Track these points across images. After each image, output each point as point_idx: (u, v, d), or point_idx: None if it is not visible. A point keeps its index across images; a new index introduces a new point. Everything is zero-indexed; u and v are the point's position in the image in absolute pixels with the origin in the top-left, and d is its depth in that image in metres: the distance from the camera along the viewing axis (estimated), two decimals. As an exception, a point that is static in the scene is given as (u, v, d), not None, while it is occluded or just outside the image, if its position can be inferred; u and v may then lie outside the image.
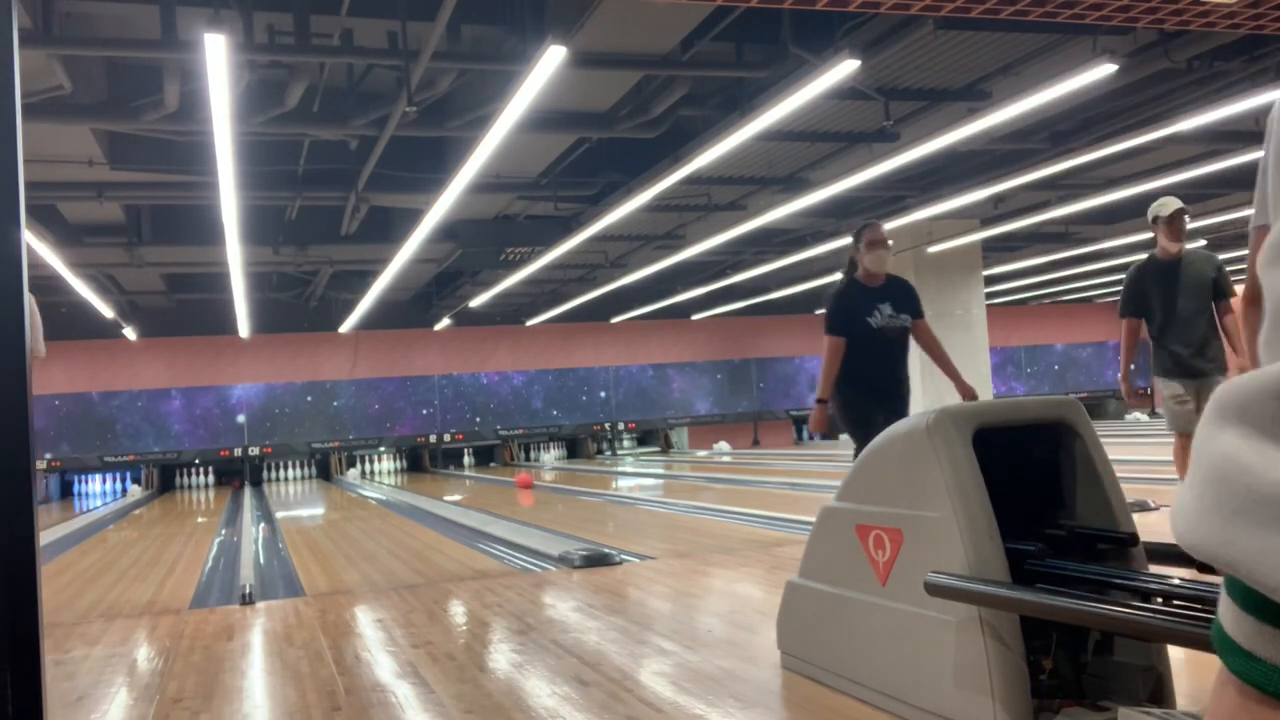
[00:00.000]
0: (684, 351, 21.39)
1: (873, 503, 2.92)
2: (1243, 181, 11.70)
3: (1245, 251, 16.44)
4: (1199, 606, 2.13)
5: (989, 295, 18.37)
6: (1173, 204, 5.45)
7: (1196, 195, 12.53)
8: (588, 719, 2.98)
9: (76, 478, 18.20)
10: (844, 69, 5.98)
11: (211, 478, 18.67)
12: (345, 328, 18.26)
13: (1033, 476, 2.87)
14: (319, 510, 12.35)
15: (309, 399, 18.60)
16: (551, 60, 5.42)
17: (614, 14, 6.03)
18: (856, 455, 4.33)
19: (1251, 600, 0.37)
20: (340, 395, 18.77)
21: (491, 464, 20.00)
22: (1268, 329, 0.42)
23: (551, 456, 20.48)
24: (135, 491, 17.66)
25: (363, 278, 14.68)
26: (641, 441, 21.45)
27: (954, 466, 2.60)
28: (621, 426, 20.51)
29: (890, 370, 5.04)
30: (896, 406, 4.90)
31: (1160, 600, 2.30)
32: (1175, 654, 2.59)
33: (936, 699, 2.59)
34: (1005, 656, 2.44)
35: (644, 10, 6.02)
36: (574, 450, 21.01)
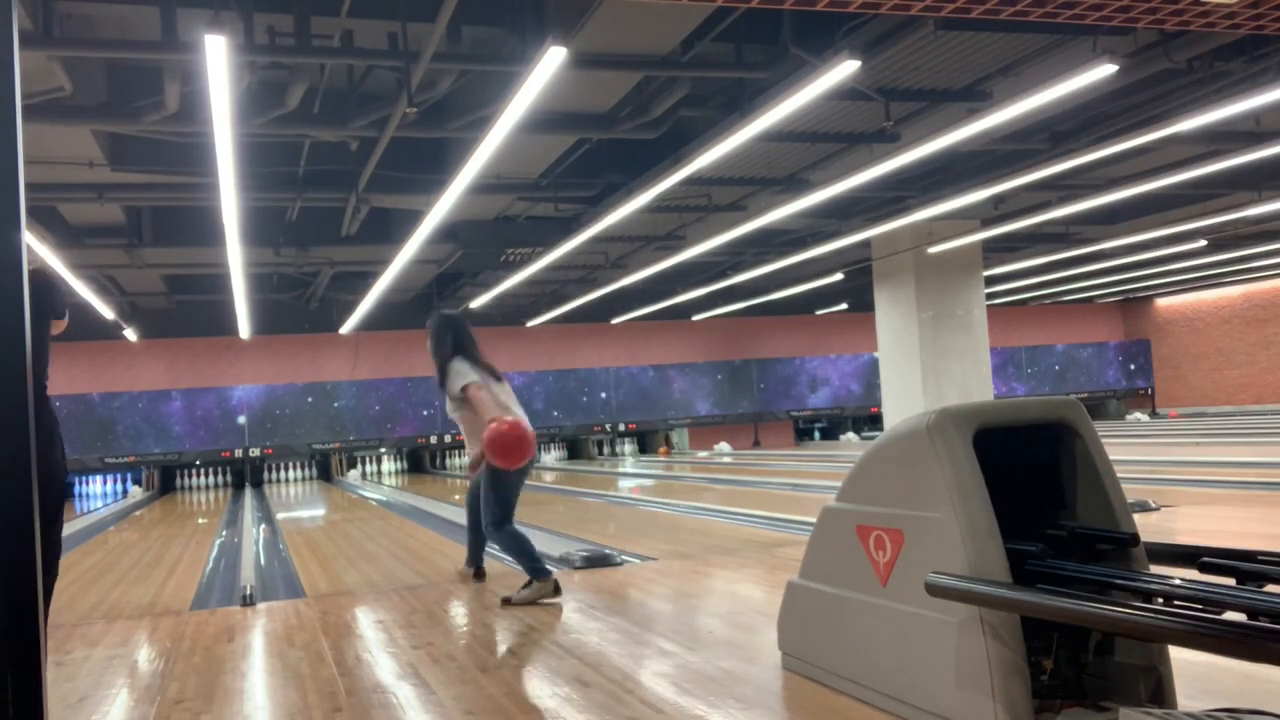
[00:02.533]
0: (684, 352, 21.39)
1: (873, 503, 2.92)
2: (1243, 181, 11.70)
3: (1244, 251, 16.44)
4: (1200, 607, 2.13)
5: (990, 296, 18.39)
6: None
7: (1197, 195, 12.53)
8: (588, 720, 2.98)
9: (77, 479, 18.20)
10: (844, 69, 5.98)
11: (213, 479, 18.71)
12: (346, 329, 18.26)
13: (1033, 477, 2.87)
14: (320, 511, 12.35)
15: (309, 400, 18.60)
16: (552, 61, 5.42)
17: (614, 15, 6.02)
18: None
19: None
20: (341, 396, 18.77)
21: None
22: None
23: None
24: (136, 493, 17.67)
25: (363, 279, 14.68)
26: (641, 446, 21.47)
27: (954, 467, 2.59)
28: (622, 428, 20.51)
29: None
30: None
31: (1161, 601, 2.30)
32: (1176, 654, 2.59)
33: (937, 699, 2.59)
34: (1006, 657, 2.43)
35: (644, 11, 6.01)
36: (575, 451, 21.02)
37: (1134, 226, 14.16)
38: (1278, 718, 2.14)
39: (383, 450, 19.61)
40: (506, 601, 4.99)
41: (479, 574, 5.75)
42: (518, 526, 5.20)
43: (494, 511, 5.12)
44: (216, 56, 5.22)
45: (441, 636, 4.30)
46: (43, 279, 4.80)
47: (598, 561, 6.00)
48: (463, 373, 5.17)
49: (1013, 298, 21.75)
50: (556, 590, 5.00)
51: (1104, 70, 6.27)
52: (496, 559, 6.69)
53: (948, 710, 2.55)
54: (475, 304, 16.67)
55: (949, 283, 13.51)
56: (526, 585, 5.01)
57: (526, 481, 5.28)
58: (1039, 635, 2.60)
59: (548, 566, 5.12)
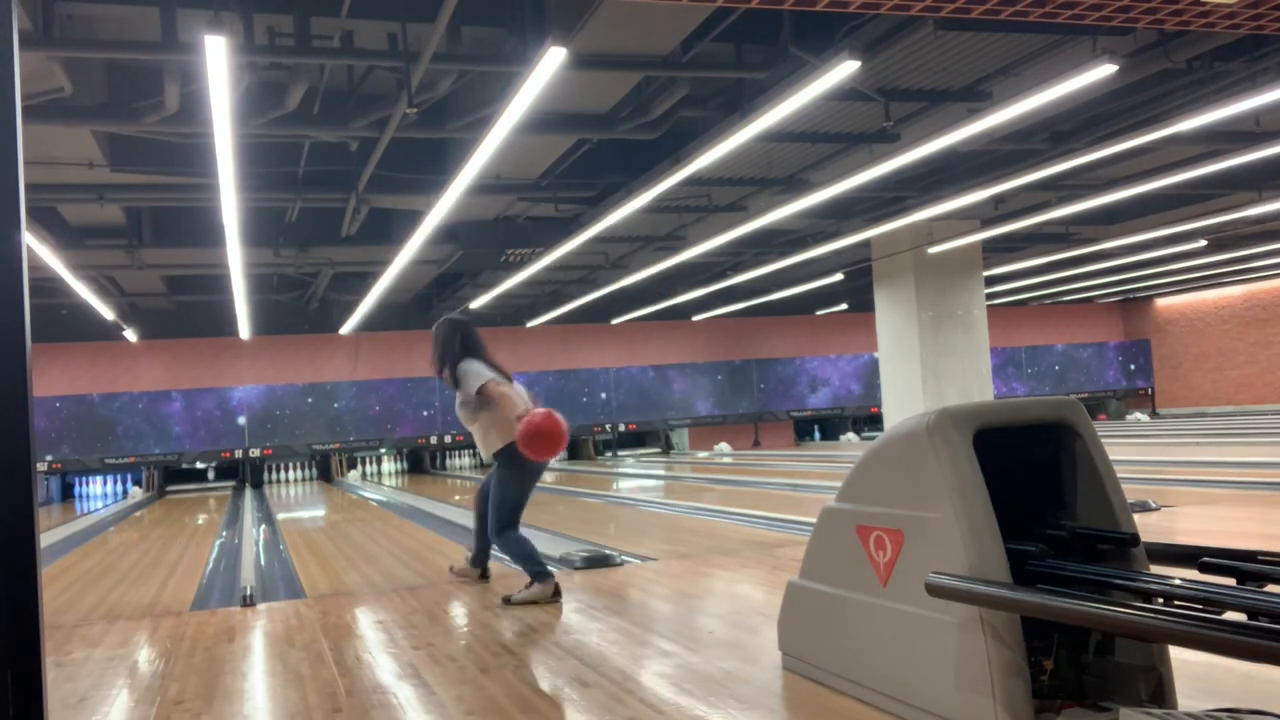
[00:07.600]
0: (684, 352, 21.39)
1: (874, 503, 2.92)
2: (1243, 182, 11.70)
3: (1244, 251, 16.43)
4: (1200, 607, 2.13)
5: (989, 296, 18.39)
6: None
7: (1196, 195, 12.53)
8: (589, 720, 2.98)
9: (77, 479, 18.21)
10: (844, 70, 5.98)
11: (212, 477, 18.72)
12: (346, 329, 18.26)
13: (1033, 477, 2.87)
14: (320, 512, 12.35)
15: (309, 401, 18.59)
16: (552, 62, 5.42)
17: (614, 15, 6.02)
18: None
19: None
20: (341, 397, 18.77)
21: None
22: None
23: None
24: (136, 493, 17.67)
25: (363, 279, 14.68)
26: (640, 442, 21.47)
27: (955, 467, 2.59)
28: (622, 428, 20.50)
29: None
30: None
31: (1161, 601, 2.30)
32: (1176, 654, 2.59)
33: (938, 700, 2.59)
34: (1006, 657, 2.43)
35: (644, 11, 6.01)
36: (574, 452, 21.01)
37: (1134, 226, 14.16)
38: (1278, 718, 2.14)
39: (383, 451, 19.60)
40: (507, 600, 5.02)
41: (484, 575, 5.80)
42: (521, 530, 5.21)
43: (502, 516, 5.14)
44: (216, 57, 5.22)
45: (441, 637, 4.30)
46: None
47: (598, 562, 6.00)
48: (478, 373, 5.16)
49: (1013, 298, 21.75)
50: (557, 593, 5.00)
51: (1104, 70, 6.27)
52: (497, 559, 6.69)
53: (948, 710, 2.55)
54: (475, 304, 16.67)
55: (949, 283, 13.51)
56: (528, 586, 5.04)
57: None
58: (1039, 635, 2.60)
59: (550, 569, 5.13)
